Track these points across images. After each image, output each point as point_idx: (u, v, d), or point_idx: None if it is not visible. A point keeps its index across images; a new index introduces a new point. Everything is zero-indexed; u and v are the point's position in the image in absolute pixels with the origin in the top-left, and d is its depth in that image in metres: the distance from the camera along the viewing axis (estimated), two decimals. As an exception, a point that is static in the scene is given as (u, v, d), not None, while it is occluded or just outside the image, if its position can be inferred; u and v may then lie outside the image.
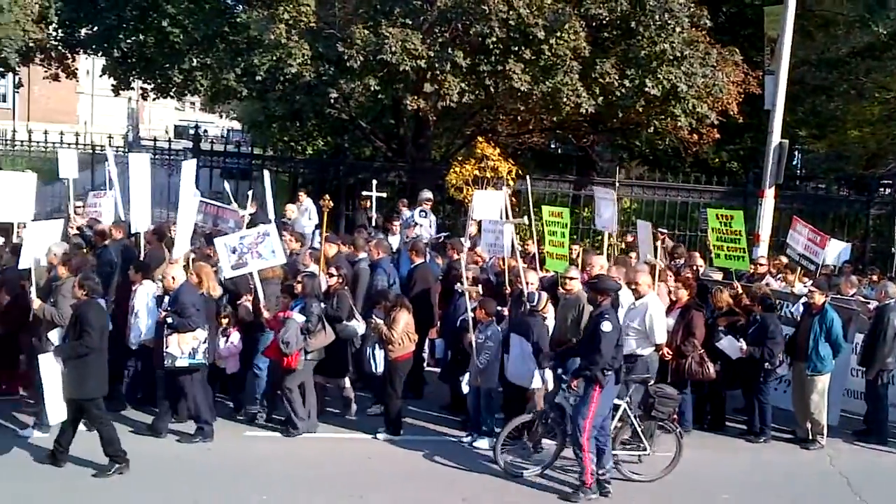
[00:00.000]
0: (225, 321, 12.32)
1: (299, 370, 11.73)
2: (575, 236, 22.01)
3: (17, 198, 14.09)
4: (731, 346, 12.91)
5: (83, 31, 26.09)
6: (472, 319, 12.12)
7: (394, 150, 25.23)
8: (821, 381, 12.72)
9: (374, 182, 19.37)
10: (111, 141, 24.81)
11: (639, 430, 11.05)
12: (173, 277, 11.54)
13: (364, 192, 19.48)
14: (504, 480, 10.85)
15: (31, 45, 25.23)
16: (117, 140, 26.44)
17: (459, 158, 21.92)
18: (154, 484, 10.19)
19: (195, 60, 23.16)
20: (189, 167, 13.20)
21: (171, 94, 27.14)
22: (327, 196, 13.96)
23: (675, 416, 11.42)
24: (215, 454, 11.26)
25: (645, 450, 11.12)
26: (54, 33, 26.72)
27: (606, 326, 10.12)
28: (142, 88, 27.80)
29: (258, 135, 34.79)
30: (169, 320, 11.19)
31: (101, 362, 10.32)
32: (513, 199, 21.51)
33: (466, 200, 20.30)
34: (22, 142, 25.30)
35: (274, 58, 19.31)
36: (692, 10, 19.89)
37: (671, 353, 12.67)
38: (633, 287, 12.39)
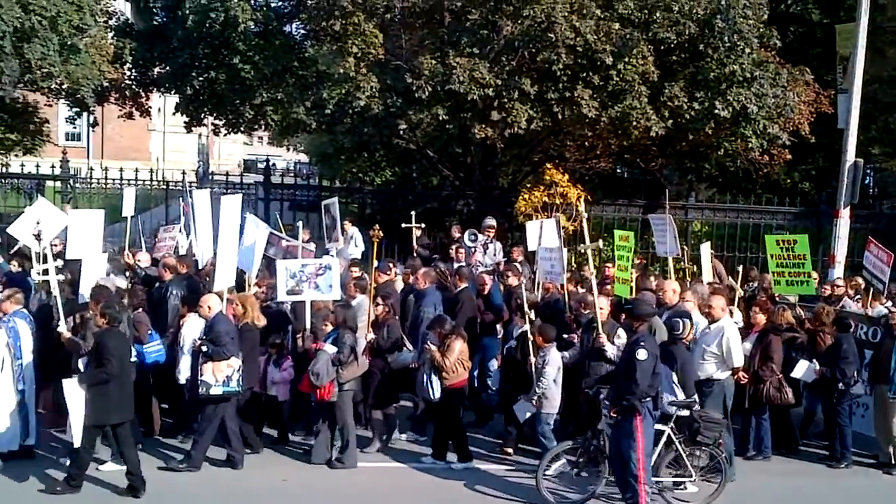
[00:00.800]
0: (273, 350, 12.47)
1: (341, 403, 11.80)
2: (646, 261, 21.95)
3: (87, 235, 14.53)
4: (807, 371, 12.74)
5: (156, 69, 26.66)
6: (532, 344, 12.10)
7: (461, 178, 25.31)
8: None
9: (413, 213, 19.38)
10: (185, 176, 25.21)
11: (683, 455, 10.89)
12: (209, 307, 11.67)
13: (404, 225, 19.51)
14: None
15: (106, 84, 25.83)
16: (191, 175, 26.92)
17: (528, 185, 21.92)
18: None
19: (265, 95, 23.51)
20: (231, 202, 13.32)
21: (242, 129, 27.59)
22: (377, 226, 14.06)
23: (721, 441, 11.21)
24: (248, 482, 11.37)
25: (690, 476, 10.94)
26: (129, 73, 27.34)
27: (642, 354, 10.01)
28: (213, 124, 28.28)
29: (326, 167, 35.17)
30: (204, 349, 11.34)
31: (122, 390, 10.54)
32: (583, 224, 21.50)
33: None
34: (98, 179, 25.89)
35: (343, 91, 19.53)
36: (761, 30, 19.70)
37: (747, 377, 12.52)
38: (707, 311, 12.30)
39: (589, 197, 21.37)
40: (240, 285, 13.81)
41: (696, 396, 11.25)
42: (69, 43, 22.78)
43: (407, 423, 13.39)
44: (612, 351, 11.84)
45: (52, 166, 23.10)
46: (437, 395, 12.05)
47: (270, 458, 12.25)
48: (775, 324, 13.07)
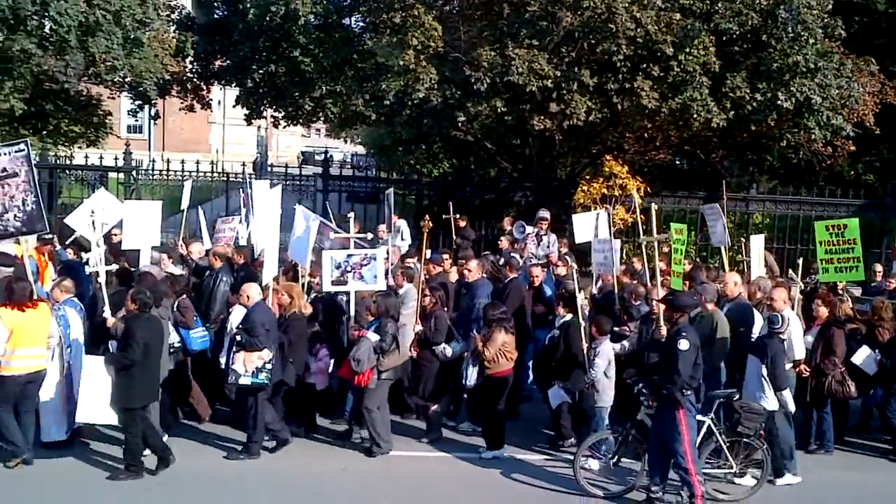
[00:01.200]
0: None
1: (376, 389, 11.80)
2: (705, 253, 21.77)
3: (143, 225, 14.75)
4: (867, 359, 12.56)
5: (217, 63, 26.96)
6: (586, 334, 12.05)
7: (519, 170, 25.27)
8: None
9: (451, 204, 19.35)
10: (245, 168, 25.48)
11: (724, 447, 10.76)
12: (248, 296, 11.69)
13: (444, 216, 19.48)
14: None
15: (167, 77, 26.16)
16: (249, 167, 27.19)
17: (587, 177, 21.85)
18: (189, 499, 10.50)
19: (325, 88, 23.63)
20: (270, 193, 13.36)
21: (301, 121, 27.78)
22: (427, 217, 14.09)
23: (763, 433, 11.00)
24: (283, 469, 11.43)
25: (731, 468, 10.81)
26: (190, 66, 27.66)
27: (683, 345, 9.92)
28: (272, 117, 28.49)
29: (384, 158, 35.32)
30: (238, 338, 11.43)
31: (147, 375, 10.68)
32: (642, 216, 21.35)
33: (595, 219, 20.21)
34: (159, 171, 26.24)
35: (402, 83, 19.60)
36: (825, 20, 19.43)
37: (809, 370, 12.38)
38: (769, 303, 12.16)
39: (648, 189, 21.25)
40: (294, 276, 13.93)
41: (786, 391, 11.14)
42: (132, 37, 23.11)
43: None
44: None
45: (115, 158, 23.52)
46: (471, 382, 12.08)
47: (302, 446, 12.28)
48: (837, 316, 12.88)
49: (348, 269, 13.05)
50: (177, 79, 27.38)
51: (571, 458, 11.22)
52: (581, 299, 12.60)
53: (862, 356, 12.62)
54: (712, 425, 10.76)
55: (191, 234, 18.73)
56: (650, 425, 10.50)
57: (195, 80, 28.11)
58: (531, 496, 10.88)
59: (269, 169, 33.74)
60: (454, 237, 19.00)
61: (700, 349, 10.21)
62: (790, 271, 16.19)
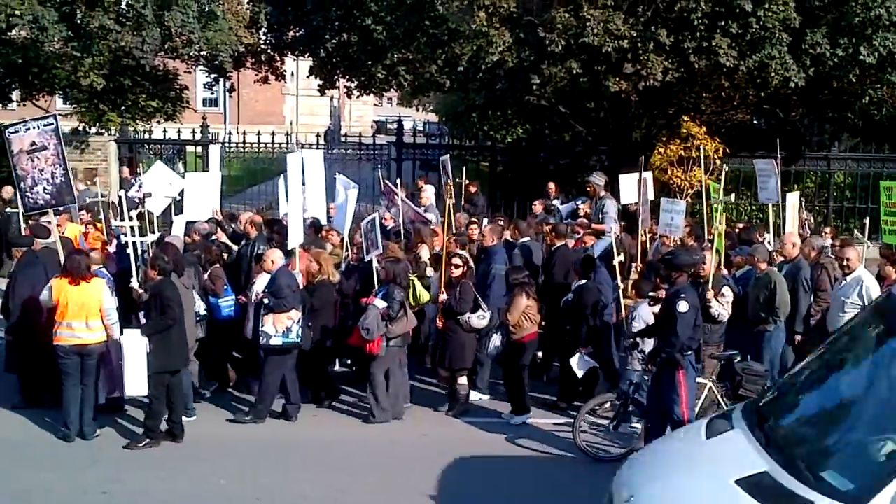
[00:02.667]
0: None
1: (383, 356, 11.82)
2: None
3: (203, 197, 14.94)
4: None
5: (290, 33, 27.11)
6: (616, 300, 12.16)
7: (594, 133, 25.05)
8: None
9: (464, 169, 19.19)
10: (319, 139, 25.64)
11: (725, 410, 10.60)
12: (273, 261, 11.86)
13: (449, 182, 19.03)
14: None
15: (242, 50, 26.40)
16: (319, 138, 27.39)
17: (663, 139, 21.55)
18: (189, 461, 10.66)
19: (397, 56, 23.65)
20: (293, 160, 13.38)
21: (374, 90, 27.87)
22: (449, 182, 14.25)
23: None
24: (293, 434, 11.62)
25: None
26: (264, 37, 27.87)
27: (682, 307, 9.74)
28: (346, 86, 28.60)
29: (457, 125, 35.24)
30: (266, 301, 11.57)
31: (181, 337, 10.92)
32: (720, 178, 21.06)
33: (672, 182, 20.00)
34: (236, 143, 26.50)
35: (474, 47, 19.52)
36: (909, -30, 18.86)
37: None
38: (844, 262, 11.95)
39: (726, 149, 20.92)
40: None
41: None
42: (207, 10, 23.38)
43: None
44: (716, 308, 11.60)
45: (192, 132, 23.80)
46: (492, 349, 12.13)
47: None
48: None
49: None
50: (251, 51, 27.67)
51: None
52: (618, 261, 12.60)
53: None
54: (713, 388, 10.66)
55: (268, 205, 18.95)
56: (649, 388, 10.42)
57: (269, 51, 28.38)
58: (528, 460, 10.92)
59: (343, 138, 33.93)
60: (463, 203, 18.74)
61: (697, 310, 10.07)
62: (855, 231, 15.87)
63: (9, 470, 10.25)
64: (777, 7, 18.02)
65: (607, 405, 11.39)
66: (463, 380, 12.48)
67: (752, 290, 12.32)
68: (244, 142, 25.39)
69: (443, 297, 12.53)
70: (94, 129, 25.33)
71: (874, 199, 21.78)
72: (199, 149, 24.29)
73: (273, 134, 25.73)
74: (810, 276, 12.77)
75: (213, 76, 29.55)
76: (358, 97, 31.48)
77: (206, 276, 12.62)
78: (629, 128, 24.06)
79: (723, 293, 11.65)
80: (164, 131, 24.98)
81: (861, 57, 18.54)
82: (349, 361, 14.00)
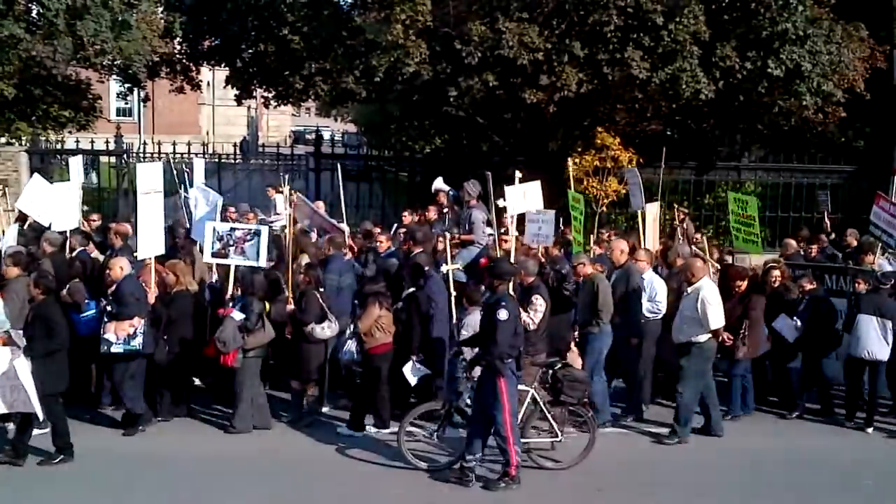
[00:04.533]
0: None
1: (243, 369, 11.75)
2: (698, 222, 21.77)
3: (66, 208, 14.78)
4: (787, 326, 12.76)
5: (206, 43, 26.83)
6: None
7: (511, 144, 25.26)
8: None
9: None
10: (236, 149, 25.45)
11: (548, 416, 10.78)
12: (120, 268, 11.82)
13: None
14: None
15: (156, 59, 26.04)
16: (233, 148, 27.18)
17: (579, 149, 21.82)
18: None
19: (314, 66, 23.56)
20: (148, 171, 13.20)
21: (292, 100, 27.72)
22: (289, 189, 14.62)
23: (587, 401, 11.08)
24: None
25: (556, 436, 10.82)
26: (179, 47, 27.54)
27: (503, 314, 9.91)
28: (263, 96, 28.43)
29: (375, 136, 35.30)
30: (108, 308, 11.51)
31: (65, 357, 10.68)
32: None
33: (587, 192, 20.25)
34: (150, 154, 26.12)
35: (391, 58, 19.56)
36: (815, -14, 19.46)
37: (731, 337, 12.44)
38: (688, 273, 12.07)
39: (640, 160, 21.25)
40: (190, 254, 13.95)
41: None
42: (120, 19, 22.95)
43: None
44: (523, 316, 11.34)
45: (106, 142, 23.44)
46: (345, 356, 12.03)
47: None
48: (759, 283, 13.26)
49: (230, 242, 12.89)
50: (166, 60, 27.25)
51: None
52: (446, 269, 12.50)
53: (781, 323, 12.80)
54: (535, 394, 10.79)
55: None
56: (473, 396, 10.49)
57: (184, 61, 27.98)
58: (352, 470, 10.86)
59: (260, 149, 33.71)
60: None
61: (517, 318, 10.21)
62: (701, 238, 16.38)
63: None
64: (688, 21, 18.44)
65: (433, 414, 11.25)
66: (313, 391, 12.34)
67: (580, 295, 12.57)
68: (159, 152, 25.05)
69: (290, 307, 12.37)
70: (3, 139, 24.76)
71: (784, 208, 22.42)
72: (114, 159, 23.91)
73: (189, 144, 25.41)
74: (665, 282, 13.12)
75: (126, 86, 29.10)
76: (275, 107, 31.29)
77: (64, 291, 12.12)
78: (545, 138, 24.31)
79: (532, 302, 11.62)
80: (77, 142, 24.53)
81: (769, 70, 19.06)
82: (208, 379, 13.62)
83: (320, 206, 17.26)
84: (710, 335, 11.74)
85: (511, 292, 11.09)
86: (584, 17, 18.97)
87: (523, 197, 15.46)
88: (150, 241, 12.65)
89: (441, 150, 31.37)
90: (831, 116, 22.58)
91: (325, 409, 12.83)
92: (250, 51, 24.69)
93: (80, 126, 28.10)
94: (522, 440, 10.46)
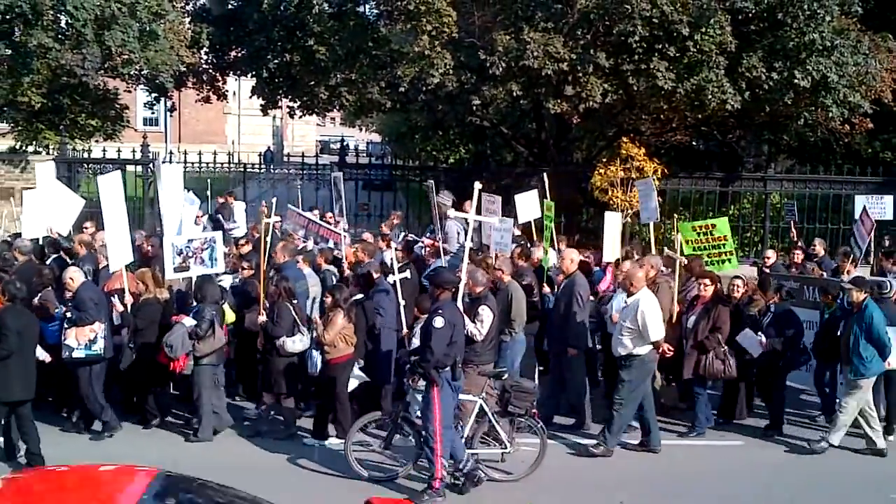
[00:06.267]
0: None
1: (199, 375, 11.67)
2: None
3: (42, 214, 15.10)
4: (751, 341, 12.44)
5: (232, 53, 27.02)
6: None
7: (535, 154, 25.29)
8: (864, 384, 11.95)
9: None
10: (262, 159, 25.58)
11: (497, 427, 10.63)
12: (72, 278, 11.77)
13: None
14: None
15: (183, 69, 26.22)
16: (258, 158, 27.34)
17: (603, 160, 21.81)
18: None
19: (340, 76, 23.66)
20: (110, 181, 13.14)
21: (317, 110, 27.83)
22: (264, 203, 14.37)
23: (535, 412, 10.89)
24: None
25: (506, 447, 10.67)
26: (205, 57, 27.73)
27: (438, 322, 9.83)
28: (288, 107, 28.56)
29: (400, 146, 35.38)
30: (68, 315, 11.48)
31: (25, 367, 10.49)
32: (659, 199, 21.36)
33: (612, 202, 20.21)
34: (177, 163, 26.27)
35: (417, 69, 19.62)
36: (841, -3, 19.36)
37: (672, 350, 12.30)
38: (629, 283, 11.83)
39: (665, 170, 21.21)
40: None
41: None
42: (148, 29, 23.13)
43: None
44: (469, 327, 11.15)
45: (133, 151, 23.57)
46: (317, 369, 11.79)
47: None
48: (721, 294, 12.87)
49: (189, 254, 12.86)
50: (192, 70, 27.45)
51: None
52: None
53: (744, 337, 12.51)
54: (483, 405, 10.66)
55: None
56: (420, 406, 10.34)
57: (211, 71, 28.21)
58: (297, 480, 10.71)
59: (285, 158, 33.85)
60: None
61: (454, 327, 10.03)
62: (665, 249, 16.26)
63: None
64: (713, 31, 18.38)
65: (380, 423, 11.17)
66: (289, 402, 12.12)
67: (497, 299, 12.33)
68: (185, 161, 25.19)
69: (261, 318, 12.21)
70: (31, 149, 24.98)
71: (810, 220, 22.29)
72: (140, 168, 24.06)
73: (215, 154, 25.59)
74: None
75: (153, 95, 29.29)
76: (300, 117, 31.42)
77: (35, 300, 12.10)
78: (570, 149, 24.35)
79: (479, 313, 11.30)
80: (104, 151, 24.71)
81: (795, 80, 18.94)
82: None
83: (315, 214, 17.26)
84: (650, 347, 11.54)
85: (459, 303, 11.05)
86: (609, 28, 18.96)
87: (529, 204, 15.64)
88: (119, 251, 12.70)
89: (465, 160, 31.39)
90: (858, 127, 22.49)
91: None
92: (276, 61, 24.81)
93: (108, 135, 28.33)
94: (471, 451, 10.40)
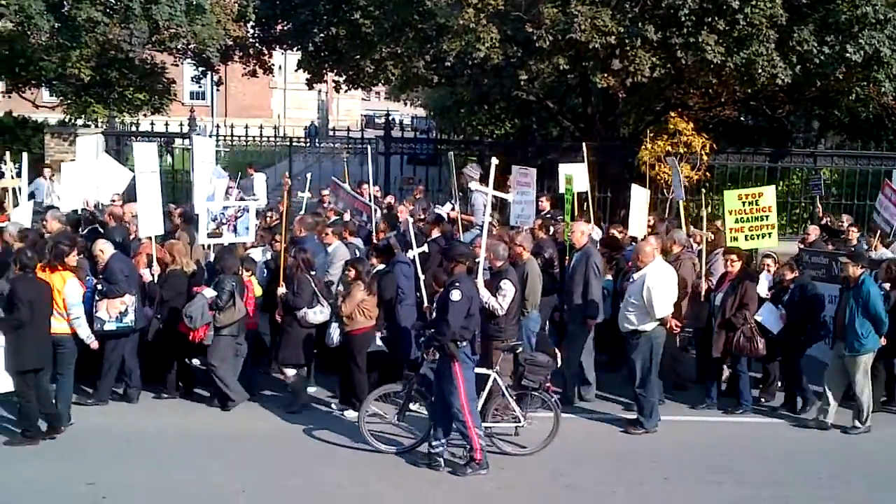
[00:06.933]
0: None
1: (217, 346, 11.76)
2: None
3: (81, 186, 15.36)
4: (772, 316, 12.27)
5: (278, 27, 27.08)
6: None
7: (582, 129, 25.09)
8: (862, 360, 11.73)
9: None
10: (307, 133, 25.64)
11: (511, 401, 10.59)
12: (101, 251, 11.89)
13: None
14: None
15: (230, 43, 26.35)
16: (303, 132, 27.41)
17: (651, 135, 21.63)
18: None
19: (385, 50, 23.62)
20: (144, 150, 13.42)
21: (362, 84, 27.83)
22: (286, 174, 14.12)
23: (549, 385, 10.82)
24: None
25: (519, 421, 10.63)
26: (251, 31, 27.84)
27: (455, 295, 9.79)
28: (334, 81, 28.59)
29: (445, 120, 35.29)
30: (99, 287, 11.58)
31: (37, 336, 10.59)
32: (707, 174, 21.18)
33: (659, 178, 20.05)
34: (224, 137, 26.47)
35: (462, 43, 19.48)
36: (896, -31, 18.95)
37: (679, 325, 12.20)
38: (636, 258, 11.80)
39: (713, 146, 20.99)
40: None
41: None
42: (195, 3, 23.27)
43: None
44: (489, 301, 11.22)
45: (181, 125, 23.80)
46: (335, 341, 11.83)
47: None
48: (749, 270, 12.82)
49: (223, 221, 13.06)
50: (239, 44, 27.59)
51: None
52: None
53: (765, 312, 12.34)
54: (497, 378, 10.64)
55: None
56: (434, 381, 10.35)
57: (257, 45, 28.29)
58: (315, 451, 10.80)
59: (331, 133, 33.94)
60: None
61: (471, 300, 10.01)
62: (692, 229, 16.01)
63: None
64: (764, 4, 18.04)
65: (392, 395, 11.17)
66: (294, 374, 12.17)
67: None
68: (232, 135, 25.36)
69: (281, 290, 12.30)
70: (80, 122, 25.26)
71: (860, 196, 21.98)
72: (187, 142, 24.26)
73: (261, 127, 25.75)
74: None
75: (200, 69, 29.48)
76: (346, 91, 31.43)
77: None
78: (616, 123, 24.15)
79: (501, 287, 11.28)
80: (152, 124, 24.93)
81: (847, 55, 18.57)
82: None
83: (364, 188, 17.34)
84: (657, 323, 11.43)
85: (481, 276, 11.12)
86: (658, 1, 18.70)
87: (584, 176, 15.56)
88: (150, 220, 12.88)
89: (511, 135, 31.26)
90: (911, 103, 22.09)
91: (312, 390, 12.76)
92: (322, 35, 24.82)
93: (155, 109, 28.62)
94: (485, 425, 10.38)
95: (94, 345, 11.38)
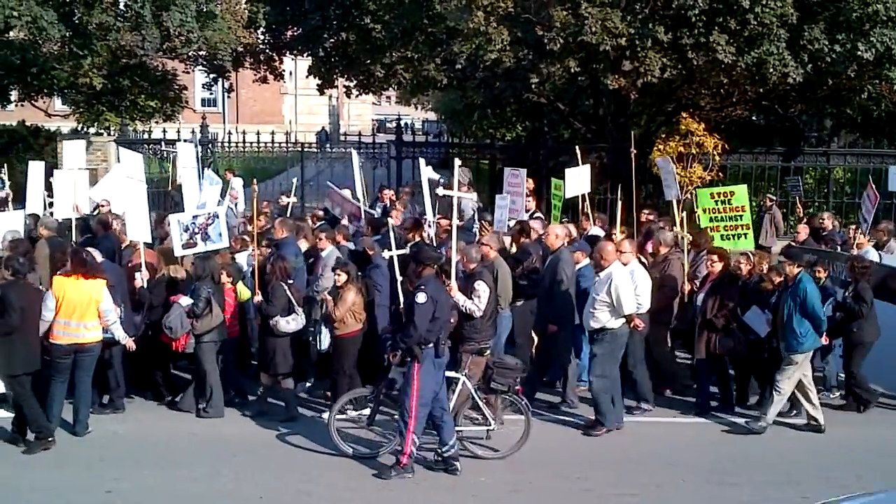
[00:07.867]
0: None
1: (203, 354, 11.64)
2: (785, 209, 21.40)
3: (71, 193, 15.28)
4: (758, 319, 12.06)
5: (289, 33, 27.16)
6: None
7: (593, 131, 25.08)
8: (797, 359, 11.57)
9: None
10: (318, 138, 25.68)
11: (480, 404, 10.47)
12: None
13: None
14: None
15: (241, 49, 26.45)
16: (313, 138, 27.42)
17: (663, 135, 21.57)
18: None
19: (396, 54, 23.67)
20: (131, 158, 13.49)
21: (373, 89, 27.91)
22: (254, 180, 14.55)
23: (519, 388, 10.65)
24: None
25: (490, 424, 10.51)
26: (262, 37, 27.93)
27: (421, 298, 9.70)
28: (345, 86, 28.66)
29: (456, 124, 35.29)
30: None
31: (27, 341, 10.52)
32: (719, 174, 21.12)
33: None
34: (236, 143, 26.54)
35: (473, 45, 19.53)
36: (906, -35, 18.87)
37: (642, 323, 11.88)
38: (598, 257, 11.63)
39: (725, 146, 20.94)
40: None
41: None
42: (205, 9, 23.40)
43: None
44: (465, 303, 11.09)
45: (192, 132, 23.84)
46: (325, 345, 11.71)
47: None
48: (730, 271, 12.47)
49: (195, 230, 12.88)
50: (249, 50, 27.73)
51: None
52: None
53: (752, 315, 12.15)
54: (466, 381, 10.54)
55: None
56: (401, 384, 10.24)
57: (267, 51, 28.40)
58: (325, 456, 10.67)
59: (342, 138, 33.98)
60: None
61: (437, 303, 9.86)
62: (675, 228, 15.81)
63: (13, 468, 10.23)
64: (774, 3, 18.01)
65: (360, 400, 11.04)
66: (288, 383, 11.99)
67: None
68: (243, 141, 25.42)
69: (257, 298, 12.23)
70: (92, 130, 25.37)
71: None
72: (200, 149, 24.31)
73: (272, 133, 25.78)
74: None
75: (211, 76, 29.61)
76: (357, 96, 31.50)
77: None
78: (628, 125, 24.08)
79: (475, 288, 11.12)
80: (164, 131, 25.01)
81: (859, 53, 18.52)
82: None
83: (347, 193, 17.34)
84: (623, 321, 11.33)
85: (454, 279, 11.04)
86: (668, 2, 18.69)
87: (578, 179, 15.52)
88: (137, 227, 12.80)
89: (522, 138, 31.24)
90: (924, 100, 22.02)
91: (301, 394, 12.63)
92: (332, 40, 24.91)
93: (167, 116, 28.70)
94: (456, 429, 10.28)
95: (131, 345, 11.40)
